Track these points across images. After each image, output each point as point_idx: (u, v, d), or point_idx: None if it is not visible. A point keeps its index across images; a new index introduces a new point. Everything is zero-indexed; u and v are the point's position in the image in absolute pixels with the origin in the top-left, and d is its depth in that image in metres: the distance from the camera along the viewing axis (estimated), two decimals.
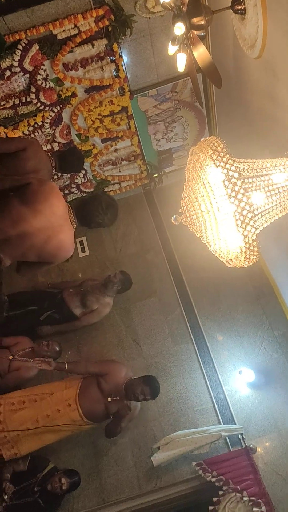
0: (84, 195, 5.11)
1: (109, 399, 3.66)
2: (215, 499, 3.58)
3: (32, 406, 3.67)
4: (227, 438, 3.94)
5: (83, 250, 5.14)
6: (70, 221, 2.66)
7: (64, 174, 4.66)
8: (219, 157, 1.98)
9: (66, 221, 2.62)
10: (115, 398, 3.67)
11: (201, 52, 2.80)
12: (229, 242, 2.09)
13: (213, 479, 3.64)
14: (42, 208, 2.52)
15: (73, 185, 4.92)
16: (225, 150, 2.00)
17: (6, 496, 3.53)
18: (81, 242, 5.14)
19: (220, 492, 3.59)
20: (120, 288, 4.43)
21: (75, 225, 2.69)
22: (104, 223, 2.78)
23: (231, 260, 2.24)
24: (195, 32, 2.85)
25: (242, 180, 1.98)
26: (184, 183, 2.29)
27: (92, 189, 5.12)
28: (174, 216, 2.22)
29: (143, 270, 4.95)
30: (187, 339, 4.54)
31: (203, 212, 2.11)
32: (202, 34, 2.89)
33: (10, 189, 2.61)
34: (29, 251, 2.55)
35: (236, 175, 1.95)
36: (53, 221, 2.54)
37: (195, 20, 2.78)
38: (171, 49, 3.06)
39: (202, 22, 2.80)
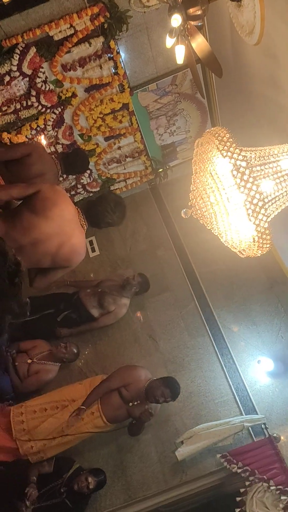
0: (91, 195, 5.11)
1: (131, 404, 3.72)
2: (242, 490, 3.58)
3: (55, 416, 3.69)
4: (250, 428, 3.94)
5: (93, 250, 5.15)
6: (81, 223, 2.66)
7: (70, 175, 4.66)
8: (225, 147, 1.96)
9: (76, 224, 2.63)
10: (136, 403, 3.71)
11: (199, 43, 2.77)
12: (241, 232, 2.07)
13: (239, 470, 3.63)
14: (51, 214, 2.53)
15: (79, 186, 4.92)
16: (231, 139, 1.98)
17: (29, 502, 3.55)
18: (91, 242, 5.15)
19: (247, 483, 3.58)
20: (138, 290, 4.44)
21: (85, 227, 2.69)
22: (114, 222, 2.77)
23: (244, 250, 2.22)
24: (192, 23, 2.82)
25: (250, 168, 1.95)
26: (192, 176, 2.27)
27: (98, 188, 5.12)
28: (184, 210, 2.21)
29: (155, 266, 4.94)
30: (203, 332, 4.53)
31: (212, 204, 2.09)
32: (199, 24, 2.87)
33: (19, 199, 2.62)
34: (43, 257, 2.56)
35: (244, 164, 1.93)
36: (64, 226, 2.55)
37: (191, 10, 2.75)
38: (169, 41, 3.04)
39: (199, 12, 2.77)
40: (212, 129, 2.11)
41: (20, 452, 3.64)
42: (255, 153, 2.08)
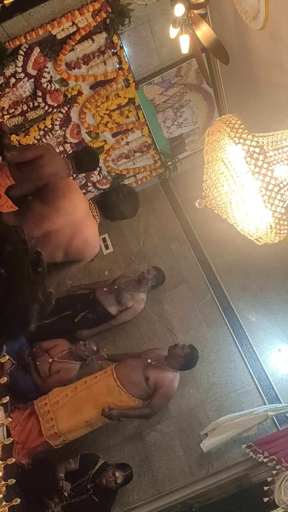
0: (101, 192, 5.11)
1: (149, 361, 3.86)
2: (269, 479, 3.56)
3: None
4: (274, 417, 3.91)
5: (106, 247, 5.15)
6: (93, 215, 2.65)
7: (80, 174, 4.66)
8: (237, 134, 1.94)
9: (88, 215, 2.62)
10: (153, 362, 3.85)
11: (204, 31, 2.75)
12: (257, 219, 2.05)
13: (265, 460, 3.61)
14: (62, 205, 2.53)
15: (89, 184, 4.93)
16: (243, 126, 1.96)
17: (66, 493, 3.58)
18: (104, 240, 5.15)
19: (274, 472, 3.56)
20: (154, 283, 4.43)
21: (98, 218, 2.67)
22: (127, 213, 2.75)
23: (261, 237, 2.20)
24: (196, 11, 2.80)
25: (264, 154, 1.93)
26: (203, 166, 2.25)
27: (108, 185, 5.12)
28: (198, 200, 2.20)
29: (169, 260, 4.93)
30: (221, 323, 4.51)
31: (227, 193, 2.08)
32: (203, 12, 2.85)
33: (30, 193, 2.63)
34: (56, 250, 2.56)
35: (257, 150, 1.91)
36: (75, 216, 2.54)
37: None
38: (173, 32, 3.02)
39: (201, 0, 2.75)
40: (222, 116, 2.09)
41: (43, 433, 3.64)
42: (267, 139, 2.06)
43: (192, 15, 2.83)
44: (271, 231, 2.06)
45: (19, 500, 2.73)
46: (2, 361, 2.88)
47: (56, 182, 2.56)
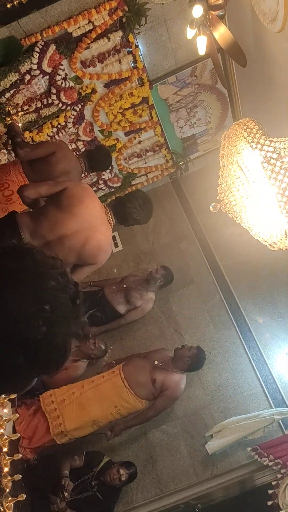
0: (112, 190, 5.11)
1: (156, 362, 3.85)
2: (274, 482, 3.55)
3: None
4: (280, 421, 3.90)
5: (116, 245, 5.16)
6: (108, 220, 2.67)
7: (92, 172, 4.66)
8: (255, 139, 1.93)
9: (103, 220, 2.64)
10: (160, 364, 3.83)
11: (222, 32, 2.73)
12: (272, 225, 2.04)
13: (270, 463, 3.60)
14: (77, 210, 2.55)
15: (100, 182, 4.93)
16: (261, 131, 1.95)
17: (67, 493, 3.60)
18: (114, 238, 5.15)
19: (278, 476, 3.56)
20: (163, 283, 4.43)
21: (112, 223, 2.70)
22: (141, 219, 2.77)
23: (275, 243, 2.19)
24: (214, 13, 2.78)
25: (281, 160, 1.92)
26: (219, 170, 2.24)
27: (119, 184, 5.12)
28: (212, 204, 2.19)
29: (178, 260, 4.93)
30: (229, 324, 4.50)
31: (242, 197, 2.07)
32: (221, 13, 2.83)
33: (46, 196, 2.64)
34: (69, 253, 2.58)
35: (274, 155, 1.89)
36: (90, 221, 2.56)
37: (212, 0, 2.72)
38: (190, 32, 3.01)
39: (220, 1, 2.74)
40: (239, 121, 2.08)
41: (51, 432, 3.64)
42: (285, 144, 2.04)
43: (210, 16, 2.82)
44: (286, 237, 2.05)
45: (25, 495, 2.76)
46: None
47: (73, 188, 2.58)
